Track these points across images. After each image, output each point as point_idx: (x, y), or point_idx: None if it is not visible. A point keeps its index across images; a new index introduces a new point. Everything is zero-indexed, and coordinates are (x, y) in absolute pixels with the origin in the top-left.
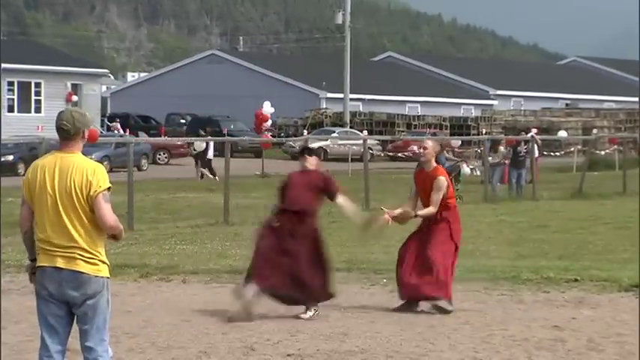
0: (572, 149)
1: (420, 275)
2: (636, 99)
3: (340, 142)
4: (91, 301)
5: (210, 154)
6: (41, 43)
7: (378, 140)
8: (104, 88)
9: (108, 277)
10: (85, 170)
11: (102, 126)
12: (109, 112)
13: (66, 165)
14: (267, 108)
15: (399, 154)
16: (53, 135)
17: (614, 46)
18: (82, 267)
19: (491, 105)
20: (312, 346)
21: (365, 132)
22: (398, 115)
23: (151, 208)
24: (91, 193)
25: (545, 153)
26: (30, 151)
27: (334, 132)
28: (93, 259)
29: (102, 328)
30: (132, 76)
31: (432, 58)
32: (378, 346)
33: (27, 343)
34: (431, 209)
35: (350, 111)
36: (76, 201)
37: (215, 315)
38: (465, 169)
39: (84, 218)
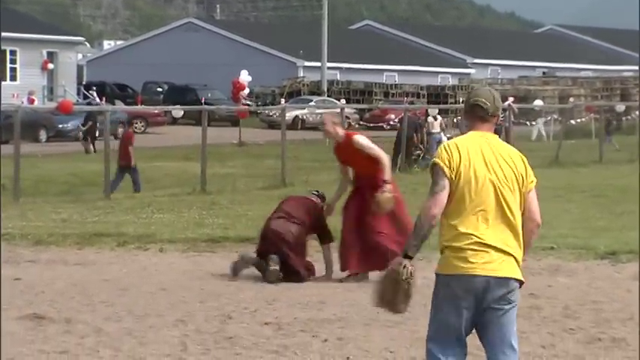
0: (549, 118)
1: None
2: (612, 67)
3: (317, 110)
4: None
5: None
6: (17, 10)
7: (356, 109)
8: (80, 56)
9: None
10: (521, 157)
11: (78, 94)
12: (85, 80)
13: (500, 148)
14: (245, 76)
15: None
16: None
17: (590, 15)
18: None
19: (469, 74)
20: (289, 315)
21: (342, 100)
22: (375, 83)
23: (128, 176)
24: (528, 184)
25: (522, 121)
26: (5, 119)
27: (311, 101)
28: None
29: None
30: (108, 44)
31: (410, 27)
32: (355, 314)
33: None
34: (385, 164)
35: (327, 80)
36: (517, 191)
37: (192, 283)
38: (444, 138)
39: (519, 213)
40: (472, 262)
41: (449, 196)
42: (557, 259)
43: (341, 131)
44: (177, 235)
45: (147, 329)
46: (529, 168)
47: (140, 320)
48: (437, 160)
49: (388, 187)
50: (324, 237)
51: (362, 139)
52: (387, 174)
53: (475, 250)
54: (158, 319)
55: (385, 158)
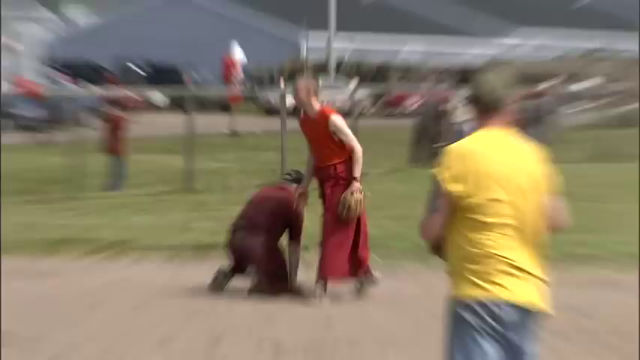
0: (597, 103)
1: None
2: None
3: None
4: None
5: None
6: None
7: (368, 93)
8: (48, 34)
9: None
10: (539, 155)
11: (44, 77)
12: (52, 61)
13: (514, 149)
14: (237, 53)
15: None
16: None
17: None
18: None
19: (504, 48)
20: (290, 334)
21: (353, 83)
22: (392, 63)
23: (101, 172)
24: (547, 186)
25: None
26: None
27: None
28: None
29: None
30: (80, 19)
31: None
32: (368, 333)
33: None
34: (358, 157)
35: (335, 58)
36: (536, 197)
37: (176, 298)
38: (467, 128)
39: (539, 223)
40: (503, 287)
41: (459, 211)
42: (604, 269)
43: (316, 104)
44: (159, 241)
45: (125, 351)
46: (547, 167)
47: (116, 340)
48: (437, 171)
49: (358, 186)
50: (293, 234)
51: (339, 121)
52: (358, 170)
53: (500, 271)
54: (137, 339)
55: (360, 151)
